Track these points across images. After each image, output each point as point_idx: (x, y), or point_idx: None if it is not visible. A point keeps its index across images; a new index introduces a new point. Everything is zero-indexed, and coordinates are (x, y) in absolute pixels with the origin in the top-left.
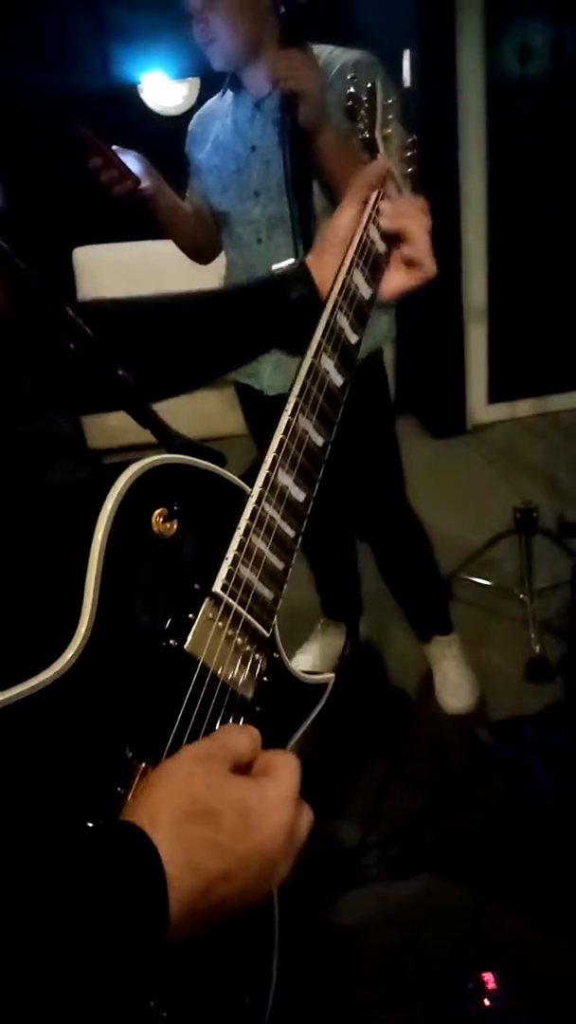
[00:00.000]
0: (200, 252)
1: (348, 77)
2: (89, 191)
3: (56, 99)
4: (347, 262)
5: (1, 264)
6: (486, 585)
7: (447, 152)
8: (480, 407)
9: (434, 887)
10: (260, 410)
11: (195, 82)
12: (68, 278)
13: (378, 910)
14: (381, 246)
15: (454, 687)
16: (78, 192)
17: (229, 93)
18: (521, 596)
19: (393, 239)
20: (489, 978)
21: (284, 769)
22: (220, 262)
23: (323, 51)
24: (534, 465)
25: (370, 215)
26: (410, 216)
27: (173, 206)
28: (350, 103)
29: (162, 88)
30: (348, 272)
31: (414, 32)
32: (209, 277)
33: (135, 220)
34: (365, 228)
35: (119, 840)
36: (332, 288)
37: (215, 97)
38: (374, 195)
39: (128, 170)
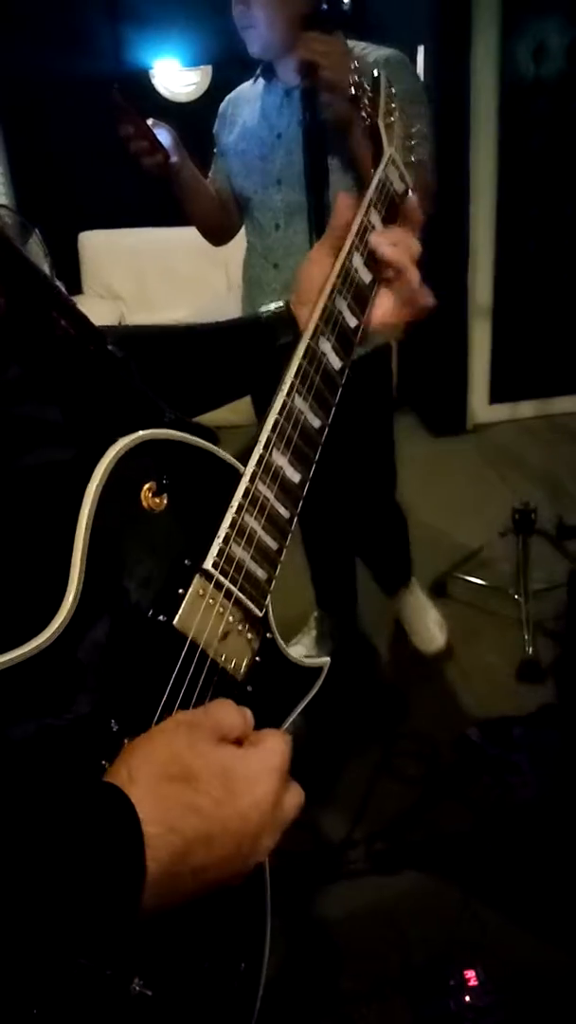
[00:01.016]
0: (216, 233)
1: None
2: (96, 176)
3: (66, 84)
4: (346, 247)
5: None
6: (482, 585)
7: (458, 150)
8: (481, 407)
9: (419, 883)
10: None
11: (207, 70)
12: (73, 262)
13: (363, 905)
14: (366, 278)
15: (425, 631)
16: (84, 177)
17: (261, 79)
18: (516, 597)
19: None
20: (471, 975)
21: (272, 741)
22: (226, 255)
23: (355, 46)
24: (534, 467)
25: (362, 219)
26: (402, 246)
27: (195, 184)
28: (354, 92)
29: (174, 75)
30: (348, 255)
31: (429, 28)
32: (212, 265)
33: (141, 206)
34: (363, 216)
35: (96, 797)
36: (332, 271)
37: (248, 82)
38: (356, 222)
39: (159, 143)
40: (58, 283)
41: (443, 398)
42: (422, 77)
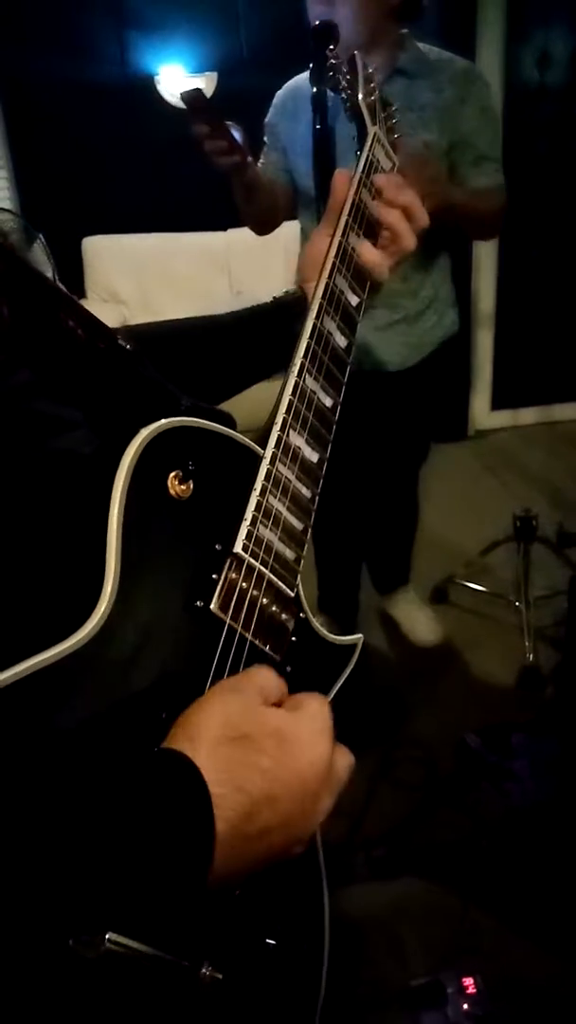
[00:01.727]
0: (267, 224)
1: (445, 80)
2: (100, 182)
3: (71, 89)
4: (340, 226)
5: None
6: (482, 591)
7: None
8: (483, 413)
9: (418, 890)
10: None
11: (212, 76)
12: (77, 267)
13: (360, 911)
14: (373, 210)
15: (423, 625)
16: (89, 182)
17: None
18: (517, 604)
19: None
20: (469, 982)
21: (314, 705)
22: (228, 260)
23: (431, 52)
24: (534, 474)
25: (355, 197)
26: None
27: (256, 181)
28: (331, 73)
29: (179, 81)
30: (344, 234)
31: (434, 36)
32: (215, 270)
33: (144, 211)
34: (356, 193)
35: (161, 764)
36: (328, 252)
37: (307, 73)
38: (348, 202)
39: (238, 142)
40: (59, 285)
41: (445, 404)
42: None
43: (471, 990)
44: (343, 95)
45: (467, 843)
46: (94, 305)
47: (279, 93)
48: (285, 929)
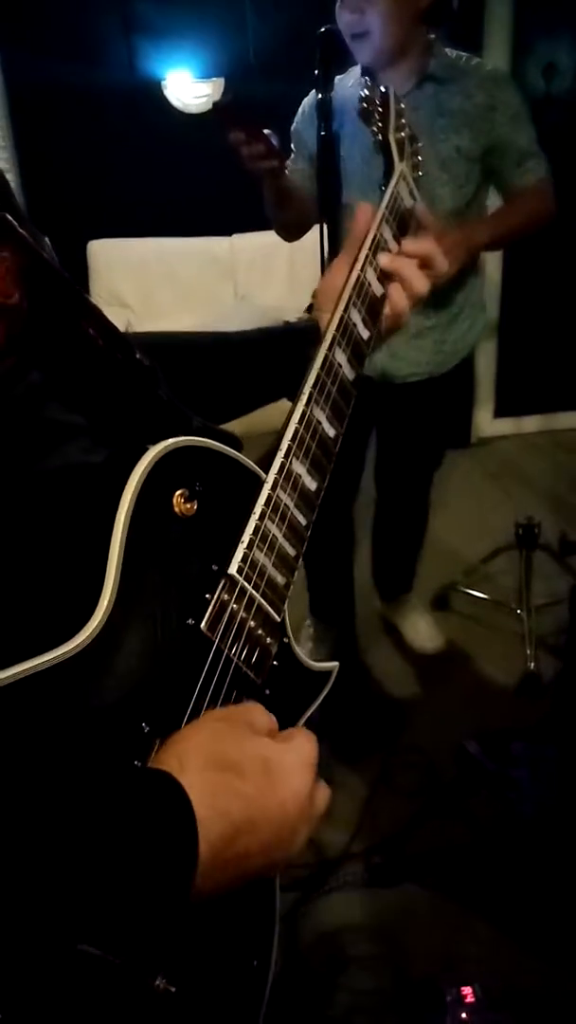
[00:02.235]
0: (294, 230)
1: (474, 85)
2: (106, 186)
3: (79, 94)
4: (359, 261)
5: (21, 254)
6: (483, 598)
7: None
8: (486, 421)
9: (417, 898)
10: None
11: (219, 82)
12: (82, 270)
13: (360, 918)
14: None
15: (425, 632)
16: (95, 186)
17: (357, 84)
18: (518, 611)
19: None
20: (468, 991)
21: (301, 738)
22: (233, 265)
23: (460, 57)
24: (537, 482)
25: (376, 233)
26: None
27: (287, 186)
28: (364, 105)
29: (186, 86)
30: (361, 269)
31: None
32: (219, 275)
33: (150, 216)
34: (377, 229)
35: (150, 782)
36: (345, 285)
37: (337, 80)
38: (370, 237)
39: (275, 148)
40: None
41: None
42: None
43: (469, 999)
44: (374, 128)
45: (466, 851)
46: None
47: (306, 100)
48: (237, 946)
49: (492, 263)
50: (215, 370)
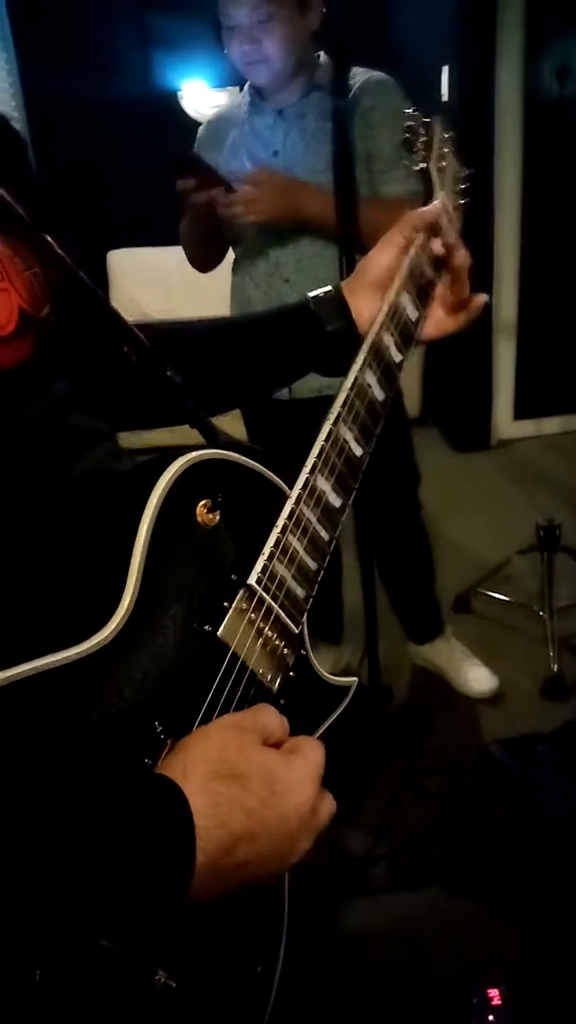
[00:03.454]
0: (215, 260)
1: (398, 111)
2: (125, 196)
3: (96, 105)
4: (395, 285)
5: (53, 271)
6: (505, 601)
7: (482, 168)
8: (506, 423)
9: (441, 900)
10: (269, 415)
11: (235, 91)
12: (102, 280)
13: (384, 921)
14: (429, 273)
15: (474, 675)
16: (114, 197)
17: (244, 101)
18: (541, 613)
19: (438, 276)
20: (494, 994)
21: (310, 750)
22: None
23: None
24: (558, 483)
25: (419, 248)
26: (462, 257)
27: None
28: (407, 135)
29: (202, 95)
30: (397, 293)
31: (454, 49)
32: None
33: (168, 225)
34: (415, 257)
35: (153, 788)
36: (381, 308)
37: (226, 104)
38: (421, 236)
39: (231, 185)
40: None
41: (467, 414)
42: (446, 97)
43: (496, 1001)
44: (417, 156)
45: (491, 853)
46: None
47: (204, 127)
48: (242, 950)
49: (508, 264)
50: (232, 353)
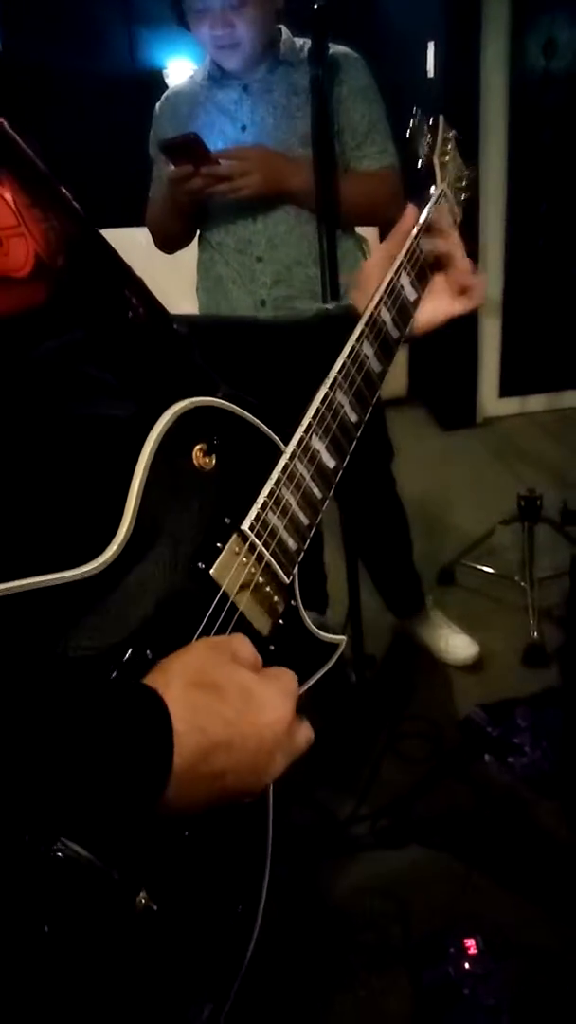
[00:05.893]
0: (183, 240)
1: (367, 85)
2: (107, 175)
3: (79, 82)
4: (395, 266)
5: (68, 223)
6: (488, 572)
7: (468, 144)
8: (491, 400)
9: (422, 858)
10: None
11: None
12: None
13: (367, 878)
14: (430, 259)
15: (454, 641)
16: (96, 175)
17: (203, 75)
18: (522, 584)
19: (436, 265)
20: (471, 943)
21: (284, 674)
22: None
23: (306, 43)
24: (542, 459)
25: (412, 243)
26: (456, 244)
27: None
28: (412, 132)
29: (187, 74)
30: (396, 273)
31: (439, 23)
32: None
33: (136, 205)
34: (414, 240)
35: (132, 693)
36: (380, 285)
37: (184, 81)
38: (407, 247)
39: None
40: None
41: (453, 392)
42: (431, 72)
43: (472, 950)
44: (421, 151)
45: (470, 813)
46: None
47: (162, 102)
48: (224, 886)
49: (493, 243)
50: (252, 356)
